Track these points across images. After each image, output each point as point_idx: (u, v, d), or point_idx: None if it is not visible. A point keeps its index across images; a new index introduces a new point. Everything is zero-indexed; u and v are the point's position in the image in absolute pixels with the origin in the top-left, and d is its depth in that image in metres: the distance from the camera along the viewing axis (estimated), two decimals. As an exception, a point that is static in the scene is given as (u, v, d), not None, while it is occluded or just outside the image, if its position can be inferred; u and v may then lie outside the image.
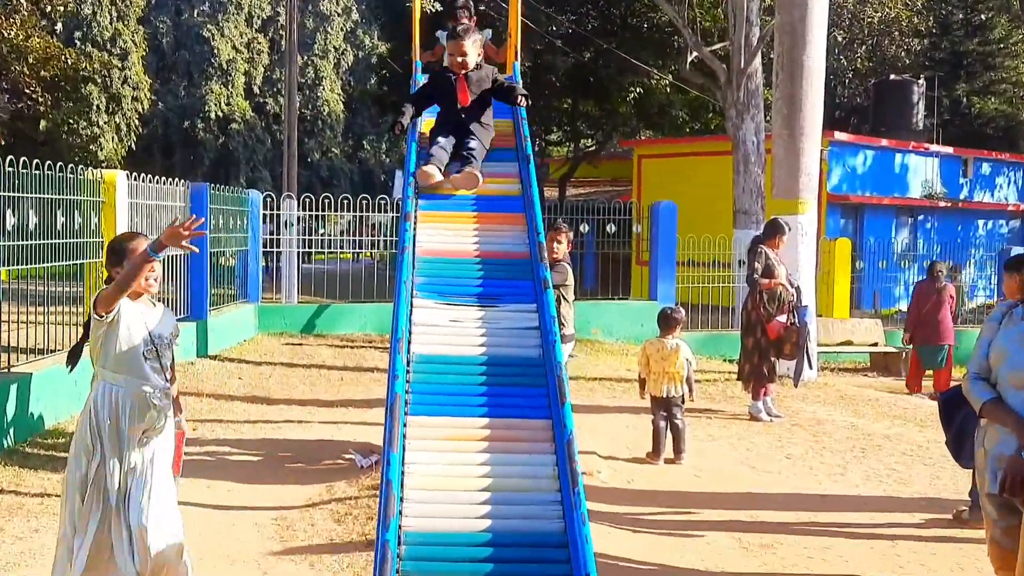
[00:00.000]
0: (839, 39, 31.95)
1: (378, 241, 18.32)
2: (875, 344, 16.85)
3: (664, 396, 8.68)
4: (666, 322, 8.96)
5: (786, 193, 13.87)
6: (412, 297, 5.12)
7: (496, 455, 4.24)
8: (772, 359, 10.83)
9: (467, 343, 4.78)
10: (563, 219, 14.36)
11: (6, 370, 8.69)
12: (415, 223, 5.69)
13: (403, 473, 4.03)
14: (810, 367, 11.55)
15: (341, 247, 18.70)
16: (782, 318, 10.73)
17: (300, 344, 15.06)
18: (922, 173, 28.64)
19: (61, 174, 9.75)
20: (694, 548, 6.52)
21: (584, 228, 16.77)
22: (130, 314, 4.84)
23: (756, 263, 10.97)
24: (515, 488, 4.12)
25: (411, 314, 4.99)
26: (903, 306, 23.85)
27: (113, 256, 4.93)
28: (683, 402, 8.82)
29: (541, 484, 4.15)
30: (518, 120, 6.79)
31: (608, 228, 16.75)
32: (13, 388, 8.40)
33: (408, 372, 4.58)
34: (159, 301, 5.21)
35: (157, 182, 12.35)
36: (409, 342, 4.77)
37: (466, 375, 4.59)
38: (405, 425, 4.24)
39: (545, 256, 5.26)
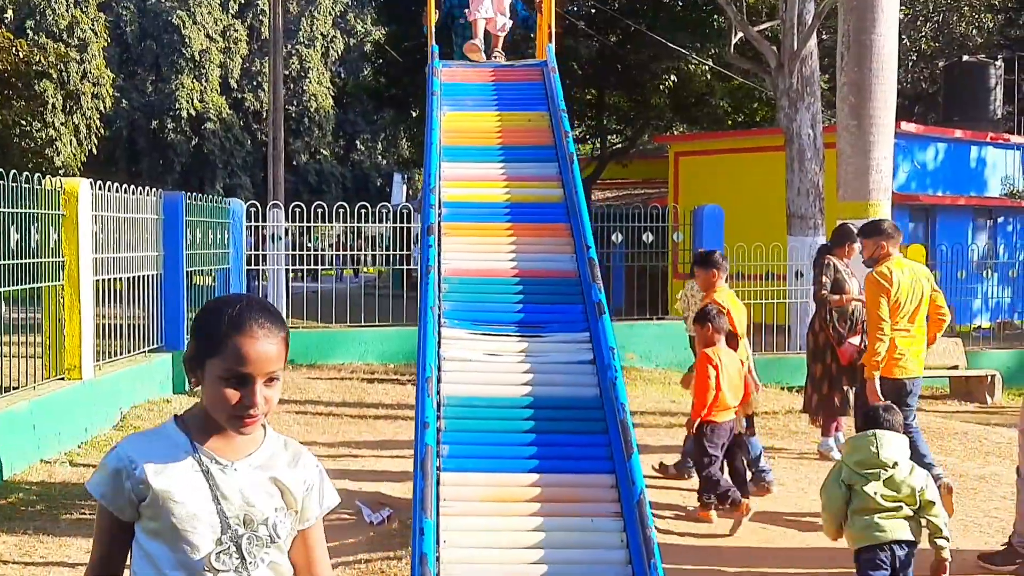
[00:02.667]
0: (901, 16, 31.67)
1: (378, 256, 18.14)
2: (955, 367, 16.53)
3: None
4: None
5: (855, 194, 13.57)
6: (440, 326, 4.92)
7: (550, 519, 3.97)
8: (844, 388, 10.48)
9: (508, 382, 4.62)
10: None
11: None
12: (440, 237, 5.48)
13: (438, 543, 3.77)
14: None
15: (336, 263, 18.50)
16: (855, 340, 10.34)
17: (291, 376, 14.87)
18: (1002, 168, 28.35)
19: (14, 184, 9.59)
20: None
21: (616, 238, 16.54)
22: (178, 483, 2.67)
23: (823, 277, 10.68)
24: (574, 561, 3.89)
25: (440, 347, 4.79)
26: (984, 322, 23.59)
27: (199, 343, 2.68)
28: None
29: (607, 556, 3.91)
30: (556, 112, 6.60)
31: (645, 237, 16.54)
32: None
33: (439, 418, 4.37)
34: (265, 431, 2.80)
35: (124, 191, 12.16)
36: (439, 381, 4.57)
37: (509, 420, 4.41)
38: (439, 483, 4.00)
39: (598, 274, 5.06)
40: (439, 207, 5.78)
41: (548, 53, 7.35)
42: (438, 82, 7.02)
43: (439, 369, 4.65)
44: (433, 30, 7.84)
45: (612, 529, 3.97)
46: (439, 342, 4.83)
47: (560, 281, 5.32)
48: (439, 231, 5.57)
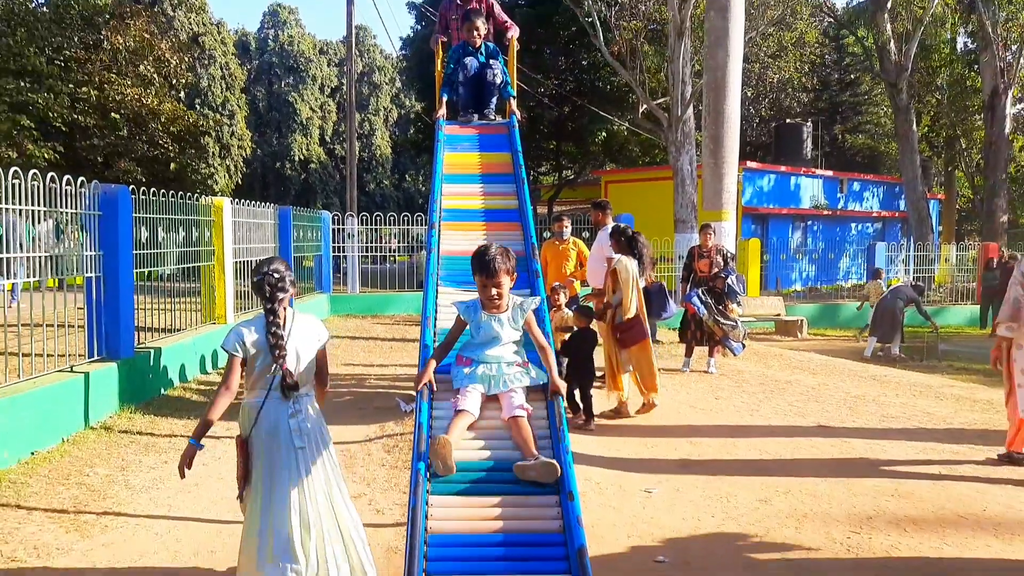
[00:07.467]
0: (749, 94, 31.48)
1: (418, 247, 18.22)
2: (778, 315, 16.63)
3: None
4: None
5: (713, 206, 13.71)
6: (438, 285, 4.85)
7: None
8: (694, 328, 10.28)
9: None
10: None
11: (143, 345, 8.56)
12: (440, 231, 5.41)
13: (432, 418, 3.74)
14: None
15: (392, 252, 18.61)
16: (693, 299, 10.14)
17: (359, 322, 14.91)
18: (810, 190, 28.41)
19: (184, 202, 9.62)
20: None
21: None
22: None
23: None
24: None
25: (437, 298, 4.72)
26: (798, 287, 23.67)
27: None
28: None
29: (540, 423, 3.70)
30: (515, 152, 6.50)
31: (584, 234, 16.51)
32: (148, 358, 8.28)
33: (435, 342, 4.29)
34: None
35: (253, 206, 12.12)
36: (435, 319, 4.51)
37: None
38: (432, 382, 3.86)
39: (536, 253, 5.04)
40: (440, 212, 5.63)
41: (511, 119, 7.00)
42: (443, 134, 6.85)
43: (436, 311, 4.58)
44: (441, 99, 7.39)
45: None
46: (437, 295, 4.75)
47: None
48: (439, 227, 5.44)
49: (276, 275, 3.69)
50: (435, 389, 3.84)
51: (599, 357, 7.75)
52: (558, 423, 3.62)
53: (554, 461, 3.35)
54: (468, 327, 3.92)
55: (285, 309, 3.73)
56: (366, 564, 3.72)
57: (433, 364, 3.89)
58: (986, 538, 4.92)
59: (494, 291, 3.81)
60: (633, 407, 7.97)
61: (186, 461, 3.61)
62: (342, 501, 3.72)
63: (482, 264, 3.83)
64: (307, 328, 3.77)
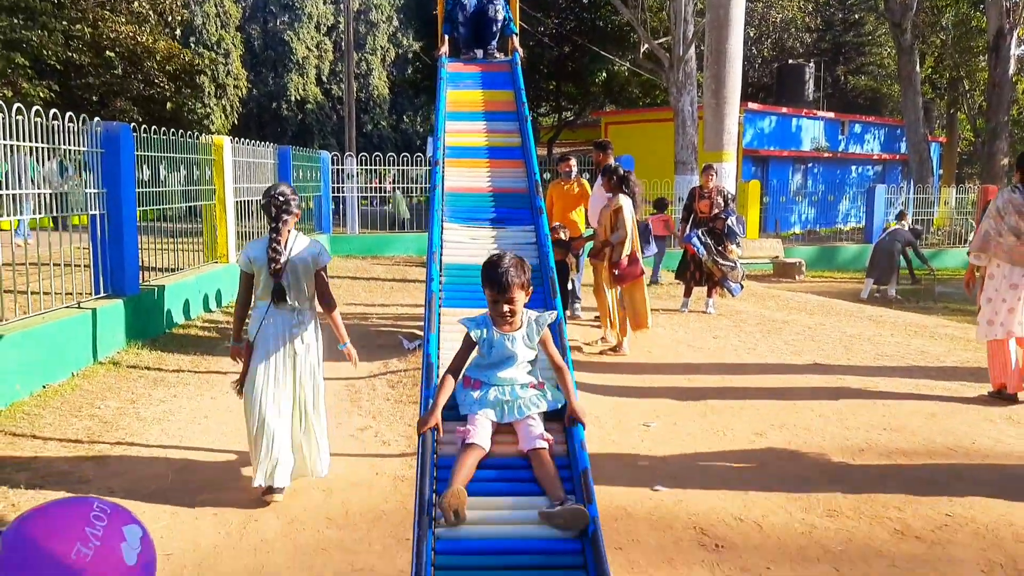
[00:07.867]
0: (751, 34, 31.21)
1: (416, 188, 18.19)
2: (776, 256, 16.71)
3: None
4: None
5: (714, 147, 13.67)
6: (443, 222, 4.91)
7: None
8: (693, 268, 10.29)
9: (483, 253, 4.43)
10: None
11: (147, 284, 8.64)
12: (444, 168, 5.44)
13: (439, 350, 3.78)
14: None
15: (390, 192, 18.56)
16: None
17: (359, 263, 14.97)
18: (811, 132, 28.24)
19: (184, 140, 9.59)
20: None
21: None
22: None
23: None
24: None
25: (442, 234, 4.79)
26: (797, 230, 23.73)
27: None
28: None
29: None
30: (517, 90, 6.47)
31: (584, 175, 16.33)
32: (153, 296, 8.36)
33: (441, 277, 4.37)
34: None
35: (253, 145, 12.06)
36: (441, 254, 4.57)
37: (483, 278, 4.39)
38: (439, 316, 4.03)
39: (539, 191, 5.07)
40: (444, 149, 5.66)
41: (514, 56, 6.97)
42: (445, 71, 6.83)
43: (441, 247, 4.65)
44: (443, 36, 7.35)
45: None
46: (442, 231, 4.83)
47: (517, 195, 5.22)
48: (443, 164, 5.43)
49: (282, 197, 4.18)
50: (441, 435, 3.18)
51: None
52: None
53: (582, 507, 2.83)
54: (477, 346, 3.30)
55: (289, 231, 4.22)
56: (327, 454, 4.54)
57: (442, 399, 3.20)
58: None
59: (506, 308, 3.20)
60: (629, 343, 8.13)
61: (235, 357, 4.39)
62: (321, 405, 4.46)
63: (493, 277, 3.20)
64: (307, 249, 4.27)
